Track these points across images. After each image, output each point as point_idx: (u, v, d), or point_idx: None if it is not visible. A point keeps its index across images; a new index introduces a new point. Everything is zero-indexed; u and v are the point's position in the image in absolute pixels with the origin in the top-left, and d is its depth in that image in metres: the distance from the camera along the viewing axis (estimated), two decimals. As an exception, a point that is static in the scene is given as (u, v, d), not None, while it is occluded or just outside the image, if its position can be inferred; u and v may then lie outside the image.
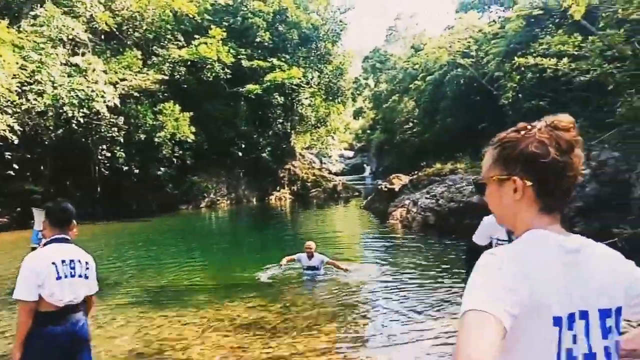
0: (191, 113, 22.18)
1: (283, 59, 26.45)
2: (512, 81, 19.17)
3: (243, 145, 25.40)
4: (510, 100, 19.82)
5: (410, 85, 35.23)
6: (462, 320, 0.96)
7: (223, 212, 23.57)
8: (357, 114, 50.77)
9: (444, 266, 8.91)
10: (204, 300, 7.30)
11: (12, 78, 16.05)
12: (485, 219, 3.88)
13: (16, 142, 16.96)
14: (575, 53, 12.41)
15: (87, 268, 3.33)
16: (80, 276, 3.26)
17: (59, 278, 3.12)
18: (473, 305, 0.96)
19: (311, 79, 28.09)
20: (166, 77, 22.24)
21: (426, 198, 15.31)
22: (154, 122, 20.98)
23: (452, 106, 27.54)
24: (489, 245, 3.85)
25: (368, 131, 52.84)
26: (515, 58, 15.34)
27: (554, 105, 19.07)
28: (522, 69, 17.78)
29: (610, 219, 12.17)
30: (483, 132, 25.14)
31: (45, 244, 3.31)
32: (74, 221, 3.42)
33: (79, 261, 3.27)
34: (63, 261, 3.19)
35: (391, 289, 7.52)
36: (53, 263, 3.09)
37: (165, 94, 22.71)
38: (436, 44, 29.30)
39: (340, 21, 30.45)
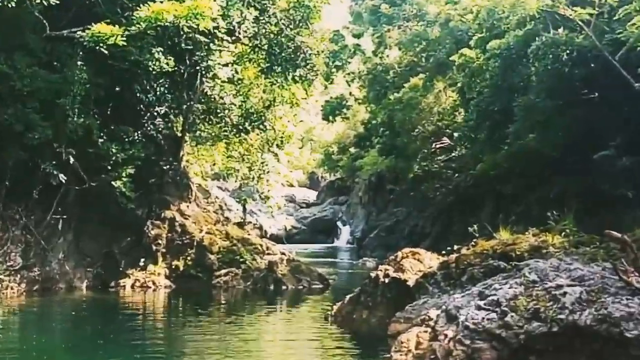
0: None
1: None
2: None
3: (71, 158, 12.16)
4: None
5: (451, 57, 19.95)
6: None
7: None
8: (333, 110, 26.64)
9: None
10: None
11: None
12: None
13: None
14: None
15: None
16: None
17: None
18: None
19: (238, 25, 14.34)
20: None
21: (478, 308, 7.98)
22: None
23: (540, 106, 15.12)
24: None
25: (352, 150, 31.33)
26: None
27: None
28: None
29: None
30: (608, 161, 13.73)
31: None
32: None
33: None
34: None
35: None
36: None
37: None
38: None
39: None
